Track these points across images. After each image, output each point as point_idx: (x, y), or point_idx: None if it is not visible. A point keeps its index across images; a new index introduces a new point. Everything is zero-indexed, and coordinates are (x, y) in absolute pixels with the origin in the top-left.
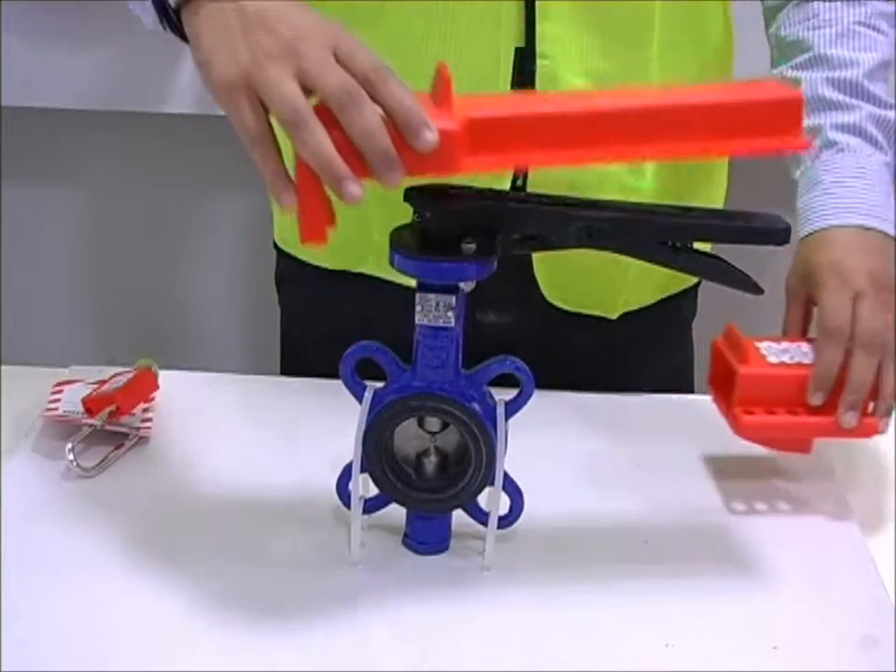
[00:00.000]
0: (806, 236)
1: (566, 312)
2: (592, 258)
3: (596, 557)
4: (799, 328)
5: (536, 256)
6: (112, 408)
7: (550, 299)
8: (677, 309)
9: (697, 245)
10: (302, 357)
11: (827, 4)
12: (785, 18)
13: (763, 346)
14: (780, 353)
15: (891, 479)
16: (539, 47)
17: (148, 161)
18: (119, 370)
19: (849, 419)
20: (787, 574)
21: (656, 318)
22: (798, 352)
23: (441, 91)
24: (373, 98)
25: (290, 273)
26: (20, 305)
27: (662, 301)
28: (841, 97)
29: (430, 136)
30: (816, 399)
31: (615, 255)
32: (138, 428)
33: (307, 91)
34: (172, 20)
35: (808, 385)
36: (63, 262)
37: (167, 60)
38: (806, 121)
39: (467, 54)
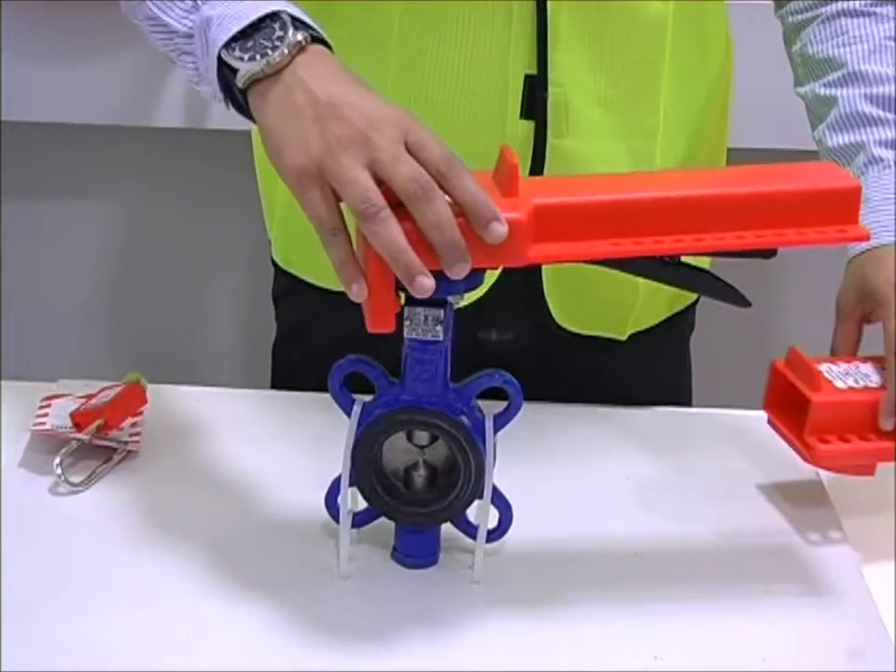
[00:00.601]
0: (859, 254)
1: (573, 333)
2: (603, 280)
3: (586, 570)
4: (852, 347)
5: (547, 277)
6: (100, 422)
7: (559, 321)
8: (679, 326)
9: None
10: (297, 373)
11: (854, 20)
12: (811, 36)
13: (825, 369)
14: (844, 376)
15: (887, 499)
16: (552, 74)
17: (147, 175)
18: (107, 384)
19: None
20: (775, 586)
21: (660, 336)
22: (859, 374)
23: (506, 176)
24: (443, 189)
25: (289, 289)
26: (17, 320)
27: (666, 319)
28: (881, 113)
29: (501, 229)
30: (888, 425)
31: (627, 277)
32: (126, 443)
33: (378, 180)
34: (236, 97)
35: (880, 410)
36: (60, 277)
37: (163, 75)
38: (848, 138)
39: (475, 80)
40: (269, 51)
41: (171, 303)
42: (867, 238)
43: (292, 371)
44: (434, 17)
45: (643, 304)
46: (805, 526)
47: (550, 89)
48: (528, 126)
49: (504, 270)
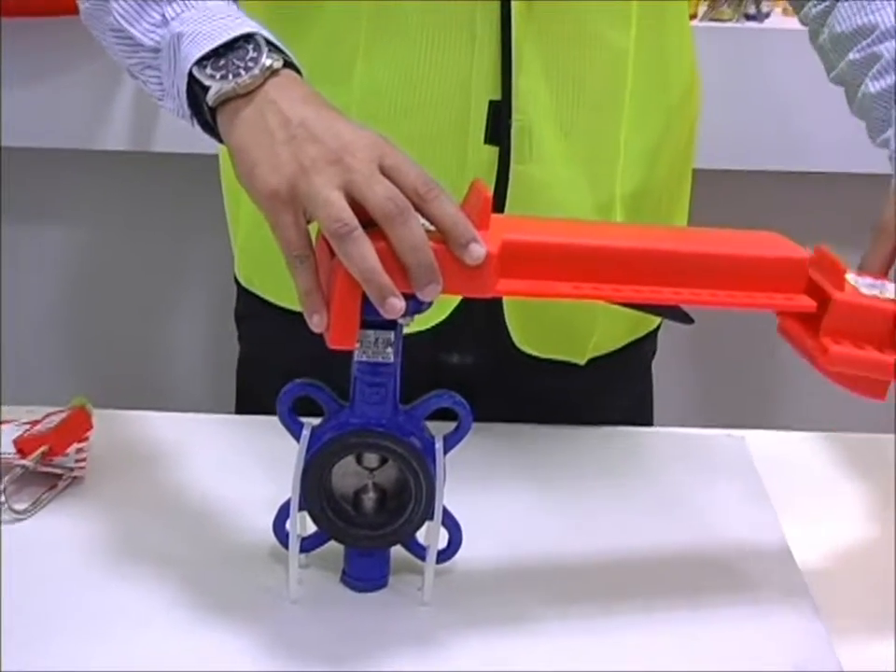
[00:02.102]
0: None
1: (533, 357)
2: (563, 306)
3: (535, 590)
4: (884, 266)
5: (507, 302)
6: (44, 448)
7: (519, 344)
8: (640, 350)
9: None
10: (259, 394)
11: None
12: (837, 18)
13: (850, 277)
14: (869, 287)
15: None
16: (516, 101)
17: (100, 198)
18: (52, 409)
19: None
20: (723, 603)
21: (621, 361)
22: (885, 289)
23: (477, 208)
24: (420, 212)
25: (251, 309)
26: None
27: (627, 344)
28: None
29: (480, 250)
30: None
31: (586, 303)
32: (72, 469)
33: (352, 203)
34: (203, 115)
35: None
36: (18, 301)
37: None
38: (887, 81)
39: (439, 105)
40: (241, 72)
41: (133, 327)
42: (814, 308)
43: (256, 391)
44: (398, 42)
45: (602, 330)
46: (753, 544)
47: (514, 115)
48: (492, 151)
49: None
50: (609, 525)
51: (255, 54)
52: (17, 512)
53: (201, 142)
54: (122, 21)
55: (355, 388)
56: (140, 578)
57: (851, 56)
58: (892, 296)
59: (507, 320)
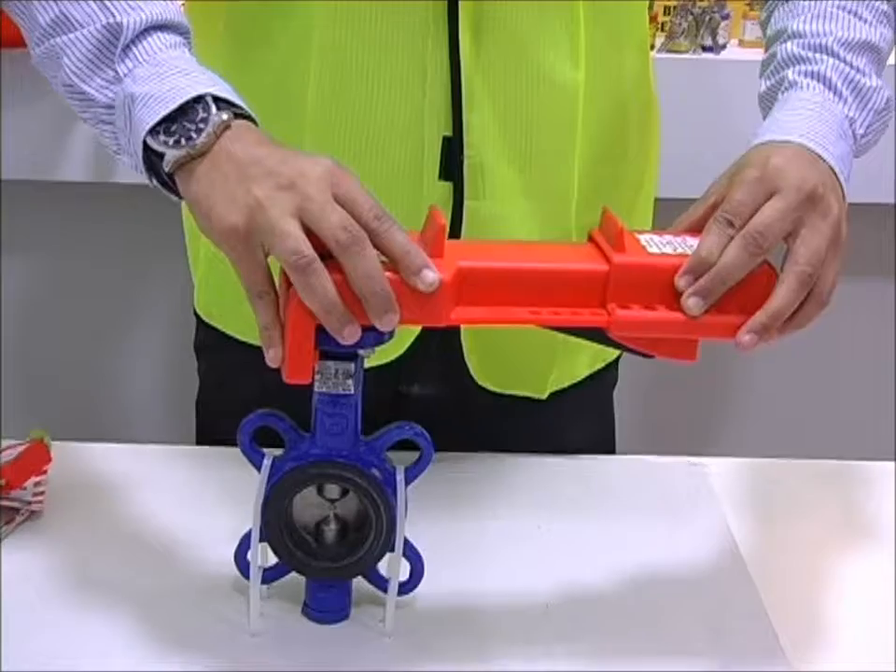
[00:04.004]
0: (757, 145)
1: (493, 392)
2: (522, 341)
3: (497, 623)
4: (690, 225)
5: (466, 338)
6: (1, 482)
7: (478, 380)
8: (601, 381)
9: None
10: (219, 426)
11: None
12: (773, 18)
13: (644, 238)
14: (663, 244)
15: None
16: (467, 137)
17: (57, 229)
18: (10, 442)
19: (692, 304)
20: (686, 637)
21: (583, 393)
22: (683, 244)
23: (432, 236)
24: (372, 242)
25: (210, 342)
26: None
27: (588, 376)
28: (811, 54)
29: (432, 276)
30: (682, 283)
31: (545, 339)
32: (29, 503)
33: (307, 232)
34: (160, 176)
35: (682, 268)
36: None
37: (69, 129)
38: (774, 79)
39: (392, 143)
40: (193, 134)
41: (91, 358)
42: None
43: (215, 423)
44: (349, 78)
45: (562, 364)
46: (715, 573)
47: (466, 151)
48: (446, 187)
49: (423, 329)
50: (570, 556)
51: (204, 114)
52: None
53: None
54: (74, 78)
55: (315, 419)
56: (98, 612)
57: (763, 56)
58: (690, 250)
59: (466, 356)
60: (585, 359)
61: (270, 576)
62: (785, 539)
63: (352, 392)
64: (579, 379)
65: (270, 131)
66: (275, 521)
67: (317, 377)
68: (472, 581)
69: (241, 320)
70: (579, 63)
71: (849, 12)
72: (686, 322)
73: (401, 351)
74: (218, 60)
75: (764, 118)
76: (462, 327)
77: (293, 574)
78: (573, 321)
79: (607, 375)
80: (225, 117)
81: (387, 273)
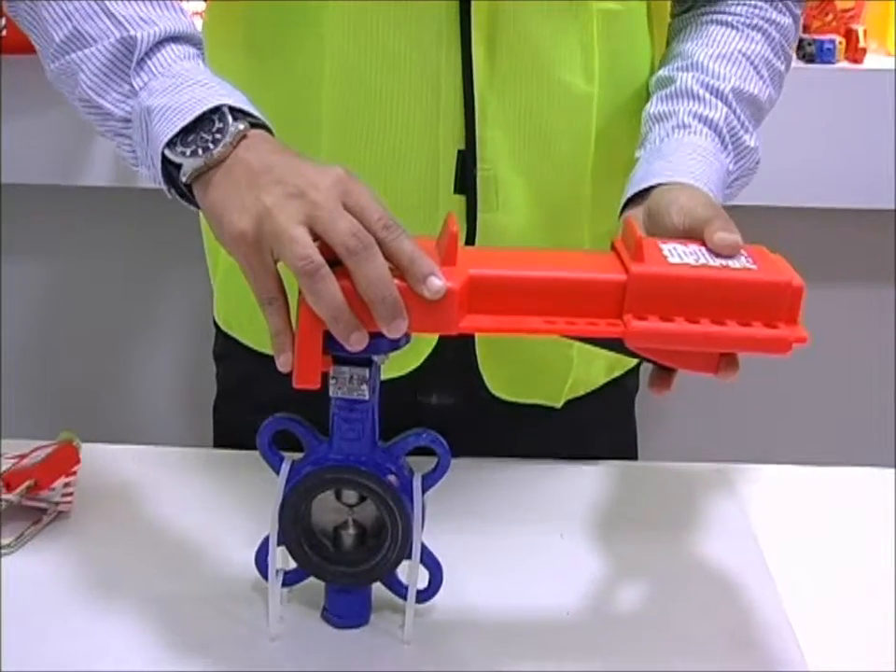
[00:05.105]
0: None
1: (510, 402)
2: (537, 350)
3: (517, 630)
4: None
5: (480, 348)
6: (30, 483)
7: (493, 390)
8: (621, 389)
9: None
10: (238, 431)
11: (721, 29)
12: (682, 35)
13: (668, 248)
14: (686, 254)
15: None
16: (481, 150)
17: (80, 234)
18: (41, 443)
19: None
20: (711, 648)
21: (601, 401)
22: (707, 255)
23: (445, 244)
24: (382, 250)
25: (228, 349)
26: None
27: (606, 383)
28: (706, 94)
29: (438, 283)
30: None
31: (561, 347)
32: (57, 503)
33: (316, 239)
34: (180, 189)
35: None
36: (3, 335)
37: (91, 133)
38: (667, 107)
39: (409, 157)
40: (210, 145)
41: (110, 362)
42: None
43: (233, 429)
44: (363, 94)
45: (579, 372)
46: (739, 584)
47: (479, 164)
48: (460, 200)
49: (438, 341)
50: (591, 564)
51: (220, 125)
52: (0, 547)
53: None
54: (91, 93)
55: (332, 425)
56: (120, 614)
57: (662, 72)
58: (714, 260)
59: (479, 366)
60: (603, 368)
61: (290, 580)
62: (811, 547)
63: (367, 398)
64: (596, 387)
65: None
66: (293, 525)
67: (332, 382)
68: (493, 589)
69: (255, 330)
70: (592, 76)
71: (751, 63)
72: (705, 334)
73: (418, 363)
74: (236, 74)
75: (645, 133)
76: (476, 336)
77: (313, 578)
78: (589, 331)
79: (627, 382)
80: (242, 126)
81: (396, 281)
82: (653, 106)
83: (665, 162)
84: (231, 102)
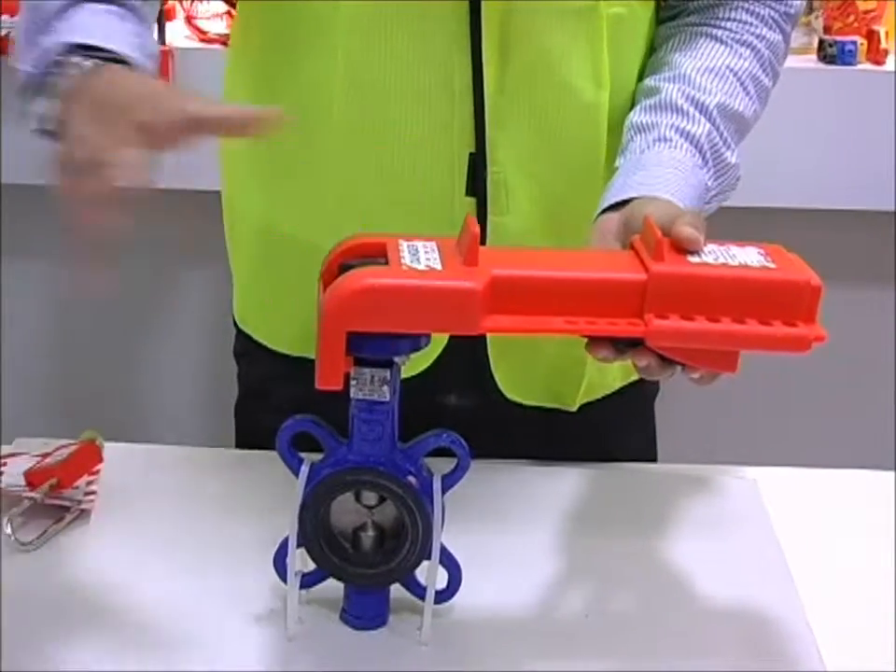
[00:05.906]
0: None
1: (524, 405)
2: (550, 353)
3: (535, 631)
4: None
5: (492, 351)
6: (53, 481)
7: (506, 393)
8: (640, 391)
9: None
10: (259, 431)
11: (710, 43)
12: (670, 44)
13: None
14: (705, 253)
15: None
16: (491, 154)
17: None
18: (64, 442)
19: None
20: (730, 656)
21: (620, 404)
22: (726, 254)
23: (466, 245)
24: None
25: (247, 349)
26: None
27: (625, 386)
28: (689, 108)
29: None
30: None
31: (572, 349)
32: (80, 502)
33: None
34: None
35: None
36: (24, 334)
37: None
38: (649, 118)
39: (420, 162)
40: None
41: (134, 360)
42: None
43: (254, 428)
44: (376, 97)
45: (592, 376)
46: (760, 588)
47: (489, 167)
48: (471, 203)
49: (450, 342)
50: (610, 565)
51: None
52: (23, 544)
53: (204, 179)
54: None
55: (352, 426)
56: (138, 612)
57: (649, 81)
58: (732, 259)
59: (492, 369)
60: (619, 371)
61: (308, 581)
62: (810, 549)
63: (387, 399)
64: (613, 390)
65: (298, 148)
66: (313, 526)
67: (353, 383)
68: (511, 591)
69: (273, 331)
70: (603, 81)
71: (738, 79)
72: (726, 333)
73: (428, 364)
74: (253, 77)
75: (626, 141)
76: (488, 339)
77: (332, 580)
78: (609, 331)
79: (646, 385)
80: (86, 64)
81: (422, 281)
82: (637, 115)
83: (644, 175)
84: (81, 40)
